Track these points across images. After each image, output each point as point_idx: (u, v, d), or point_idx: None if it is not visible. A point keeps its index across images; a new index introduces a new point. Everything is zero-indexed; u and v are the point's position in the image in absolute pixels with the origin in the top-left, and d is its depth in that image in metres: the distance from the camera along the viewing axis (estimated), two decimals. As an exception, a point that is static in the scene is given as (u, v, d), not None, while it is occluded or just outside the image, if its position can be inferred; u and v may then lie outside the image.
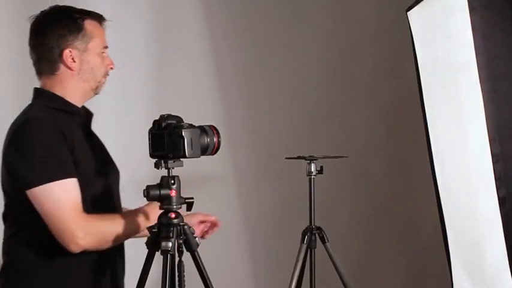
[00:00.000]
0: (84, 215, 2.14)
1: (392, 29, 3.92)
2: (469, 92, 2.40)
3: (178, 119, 2.19)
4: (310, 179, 3.21)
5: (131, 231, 2.23)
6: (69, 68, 2.24)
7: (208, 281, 2.26)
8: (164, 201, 2.16)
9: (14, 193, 2.19)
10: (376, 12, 4.16)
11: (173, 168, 2.18)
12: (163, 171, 2.20)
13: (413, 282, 4.22)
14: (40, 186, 2.11)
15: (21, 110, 2.29)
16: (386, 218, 4.20)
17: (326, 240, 3.20)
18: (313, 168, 3.20)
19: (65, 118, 2.22)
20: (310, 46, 4.12)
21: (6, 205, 2.25)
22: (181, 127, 2.14)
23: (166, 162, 2.16)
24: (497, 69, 2.30)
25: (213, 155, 2.27)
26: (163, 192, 2.15)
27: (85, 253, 2.16)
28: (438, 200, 3.00)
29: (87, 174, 2.20)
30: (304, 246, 3.18)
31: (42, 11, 2.29)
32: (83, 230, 2.12)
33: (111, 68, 2.32)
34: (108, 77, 2.33)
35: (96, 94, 2.33)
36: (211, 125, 2.25)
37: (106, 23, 2.33)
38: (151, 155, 2.19)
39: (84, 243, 2.12)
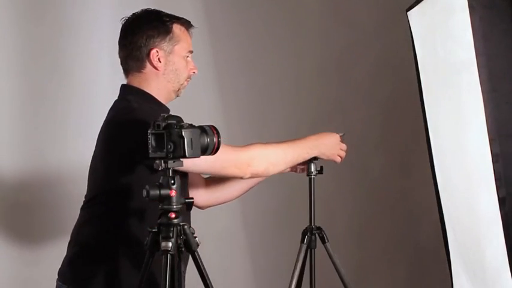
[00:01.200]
0: (246, 146, 2.49)
1: (392, 29, 3.92)
2: (469, 92, 2.40)
3: (178, 119, 2.19)
4: (310, 179, 3.20)
5: (297, 155, 2.60)
6: (155, 68, 2.38)
7: (208, 281, 2.26)
8: (164, 201, 2.16)
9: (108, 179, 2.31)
10: (376, 12, 4.16)
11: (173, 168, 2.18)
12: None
13: (413, 282, 4.23)
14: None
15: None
16: (386, 218, 4.20)
17: (326, 240, 3.19)
18: (313, 168, 3.20)
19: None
20: (309, 46, 4.12)
21: (92, 190, 2.39)
22: (181, 127, 2.14)
23: (166, 162, 2.16)
24: (497, 69, 2.30)
25: (213, 155, 2.27)
26: (163, 192, 2.15)
27: None
28: (438, 200, 3.00)
29: None
30: (304, 246, 3.17)
31: (134, 13, 2.42)
32: (247, 155, 2.47)
33: (194, 73, 2.47)
34: (190, 81, 2.48)
35: (177, 96, 2.47)
36: (211, 125, 2.26)
37: (193, 30, 2.47)
38: (152, 155, 2.19)
39: (252, 167, 2.45)
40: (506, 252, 2.32)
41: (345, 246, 3.87)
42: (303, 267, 3.18)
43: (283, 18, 4.07)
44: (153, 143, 2.15)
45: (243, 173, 2.45)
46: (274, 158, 2.52)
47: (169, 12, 2.45)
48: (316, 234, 3.20)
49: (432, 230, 3.75)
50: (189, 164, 2.22)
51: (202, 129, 2.22)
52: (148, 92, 2.40)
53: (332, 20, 4.16)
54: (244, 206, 4.01)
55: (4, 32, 3.25)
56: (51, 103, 3.28)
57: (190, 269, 2.25)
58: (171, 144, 2.13)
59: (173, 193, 2.15)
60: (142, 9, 2.44)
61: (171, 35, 2.40)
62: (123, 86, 2.45)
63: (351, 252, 4.01)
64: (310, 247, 3.20)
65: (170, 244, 2.14)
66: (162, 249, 2.14)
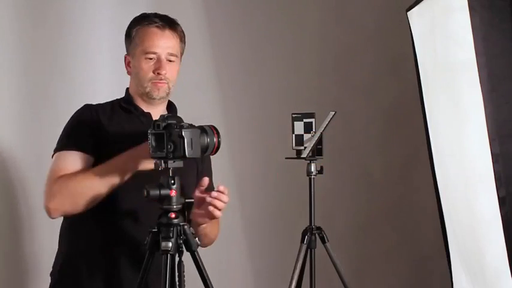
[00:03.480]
0: (56, 178, 2.27)
1: (392, 29, 3.92)
2: (469, 92, 2.40)
3: (178, 119, 2.19)
4: (310, 179, 3.21)
5: (111, 177, 2.25)
6: (128, 72, 2.44)
7: (208, 281, 2.26)
8: (164, 201, 2.16)
9: None
10: (376, 12, 4.15)
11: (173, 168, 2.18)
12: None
13: (413, 282, 4.22)
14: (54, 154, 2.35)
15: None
16: (386, 218, 4.19)
17: (326, 240, 3.20)
18: (313, 168, 3.21)
19: (119, 112, 2.40)
20: (309, 46, 4.12)
21: None
22: (181, 127, 2.14)
23: (166, 162, 2.16)
24: (497, 69, 2.30)
25: (213, 155, 2.27)
26: (163, 192, 2.15)
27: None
28: (438, 200, 3.01)
29: None
30: (304, 246, 3.18)
31: None
32: (49, 191, 2.26)
33: (158, 74, 2.36)
34: (162, 81, 2.37)
35: (153, 99, 2.39)
36: (211, 125, 2.26)
37: (155, 28, 2.41)
38: (152, 155, 2.19)
39: (52, 205, 2.25)
40: (506, 252, 2.32)
41: (345, 246, 3.87)
42: (303, 267, 3.19)
43: (283, 19, 4.07)
44: (153, 143, 2.15)
45: (47, 213, 2.31)
46: (77, 190, 2.25)
47: (162, 12, 2.49)
48: (316, 234, 3.20)
49: (432, 230, 3.76)
50: None
51: (202, 129, 2.22)
52: (131, 93, 2.44)
53: (332, 20, 4.15)
54: (244, 206, 4.00)
55: (4, 32, 3.25)
56: (51, 103, 3.27)
57: (190, 269, 2.25)
58: (171, 144, 2.13)
59: (173, 193, 2.15)
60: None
61: (131, 38, 2.41)
62: None
63: (351, 252, 4.01)
64: (310, 247, 3.21)
65: (170, 244, 2.14)
66: (162, 249, 2.14)
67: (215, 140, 2.23)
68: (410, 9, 2.97)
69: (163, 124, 2.15)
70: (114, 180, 2.24)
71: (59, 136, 2.41)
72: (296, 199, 3.62)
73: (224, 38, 3.95)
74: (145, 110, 2.41)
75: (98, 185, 2.24)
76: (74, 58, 3.36)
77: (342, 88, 4.14)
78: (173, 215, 2.17)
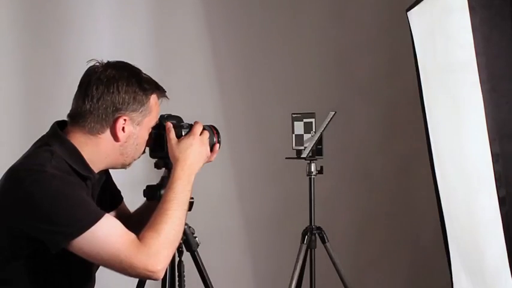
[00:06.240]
0: (139, 241, 1.88)
1: (392, 29, 3.92)
2: (469, 92, 2.40)
3: (178, 119, 2.19)
4: (310, 179, 3.22)
5: (184, 202, 2.01)
6: (115, 137, 2.00)
7: (208, 281, 2.26)
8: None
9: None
10: (376, 12, 4.16)
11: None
12: (163, 171, 2.20)
13: (413, 282, 4.22)
14: (82, 235, 1.85)
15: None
16: (386, 218, 4.20)
17: (326, 240, 3.20)
18: (313, 168, 3.21)
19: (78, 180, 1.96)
20: (310, 47, 4.12)
21: None
22: (181, 127, 2.14)
23: (166, 163, 2.16)
24: (497, 69, 2.30)
25: (213, 154, 2.27)
26: (163, 192, 2.15)
27: None
28: (438, 200, 3.00)
29: None
30: (304, 246, 3.18)
31: (110, 63, 2.04)
32: (149, 256, 1.87)
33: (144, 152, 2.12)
34: None
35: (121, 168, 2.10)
36: (211, 125, 2.25)
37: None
38: (151, 155, 2.19)
39: (161, 266, 1.88)
40: (506, 252, 2.32)
41: (345, 246, 3.87)
42: (303, 267, 3.19)
43: (283, 19, 4.07)
44: (153, 143, 2.15)
45: (153, 277, 1.90)
46: (173, 234, 1.95)
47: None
48: (316, 234, 3.21)
49: (432, 230, 3.76)
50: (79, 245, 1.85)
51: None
52: (87, 158, 1.99)
53: (332, 20, 4.15)
54: (244, 206, 4.01)
55: (4, 32, 3.25)
56: (51, 103, 3.27)
57: (191, 269, 2.25)
58: (171, 144, 2.13)
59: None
60: (120, 63, 2.06)
61: (145, 102, 2.03)
62: (56, 126, 2.04)
63: (351, 252, 4.01)
64: (310, 247, 3.21)
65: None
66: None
67: (215, 140, 2.23)
68: (410, 9, 2.97)
69: (163, 124, 2.15)
70: (186, 200, 2.03)
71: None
72: (296, 199, 3.62)
73: (224, 38, 3.95)
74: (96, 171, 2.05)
75: (183, 215, 2.00)
76: (74, 58, 3.36)
77: (342, 88, 4.14)
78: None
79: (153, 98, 2.06)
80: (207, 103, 3.90)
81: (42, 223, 1.83)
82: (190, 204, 2.21)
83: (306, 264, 3.21)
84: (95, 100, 1.97)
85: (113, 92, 1.98)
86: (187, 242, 2.20)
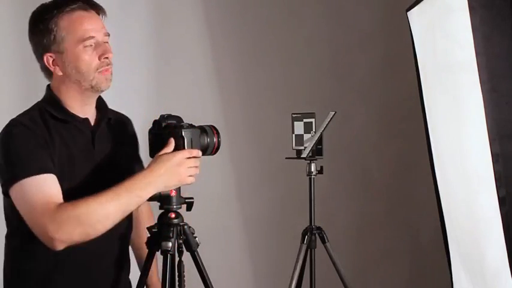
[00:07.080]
0: (56, 206, 1.92)
1: (392, 29, 3.92)
2: (469, 92, 2.40)
3: (178, 119, 2.19)
4: (310, 179, 3.22)
5: (125, 204, 1.99)
6: (56, 73, 2.10)
7: (208, 281, 2.26)
8: (164, 201, 2.16)
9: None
10: (376, 12, 4.16)
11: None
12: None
13: (413, 282, 4.22)
14: (15, 184, 1.96)
15: (22, 109, 2.26)
16: (386, 218, 4.20)
17: (326, 240, 3.20)
18: (313, 168, 3.21)
19: (54, 125, 2.07)
20: (309, 46, 4.12)
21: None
22: (181, 127, 2.14)
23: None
24: (497, 69, 2.30)
25: (213, 155, 2.27)
26: (163, 192, 2.15)
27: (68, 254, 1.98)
28: (438, 200, 3.00)
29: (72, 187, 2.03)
30: (304, 246, 3.18)
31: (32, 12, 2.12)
32: (52, 221, 1.90)
33: (106, 58, 2.10)
34: (109, 67, 2.11)
35: (101, 91, 2.14)
36: (211, 125, 2.25)
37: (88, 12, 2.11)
38: (151, 155, 2.19)
39: (59, 235, 1.90)
40: (506, 252, 2.32)
41: (345, 246, 3.87)
42: (303, 267, 3.19)
43: (282, 19, 4.07)
44: (152, 143, 2.15)
45: (50, 245, 1.93)
46: (90, 218, 1.92)
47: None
48: (316, 234, 3.21)
49: (432, 230, 3.76)
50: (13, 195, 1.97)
51: (203, 129, 2.22)
52: (62, 99, 2.11)
53: (332, 20, 4.16)
54: (244, 206, 4.01)
55: (4, 32, 3.25)
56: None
57: (191, 269, 2.25)
58: (171, 144, 2.13)
59: (173, 193, 2.15)
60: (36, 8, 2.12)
61: (51, 33, 2.06)
62: (47, 86, 2.18)
63: (351, 252, 4.01)
64: (310, 247, 3.21)
65: (170, 244, 2.13)
66: (162, 249, 2.14)
67: (215, 140, 2.23)
68: (410, 9, 2.97)
69: (163, 124, 2.15)
70: (128, 207, 2.01)
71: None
72: (296, 199, 3.62)
73: (224, 38, 3.95)
74: (81, 115, 2.13)
75: (115, 210, 1.96)
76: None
77: (342, 88, 4.14)
78: (173, 215, 2.16)
79: (55, 21, 2.07)
80: (207, 103, 3.90)
81: None
82: (190, 204, 2.21)
83: (306, 264, 3.22)
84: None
85: (31, 42, 2.12)
86: (187, 242, 2.20)
